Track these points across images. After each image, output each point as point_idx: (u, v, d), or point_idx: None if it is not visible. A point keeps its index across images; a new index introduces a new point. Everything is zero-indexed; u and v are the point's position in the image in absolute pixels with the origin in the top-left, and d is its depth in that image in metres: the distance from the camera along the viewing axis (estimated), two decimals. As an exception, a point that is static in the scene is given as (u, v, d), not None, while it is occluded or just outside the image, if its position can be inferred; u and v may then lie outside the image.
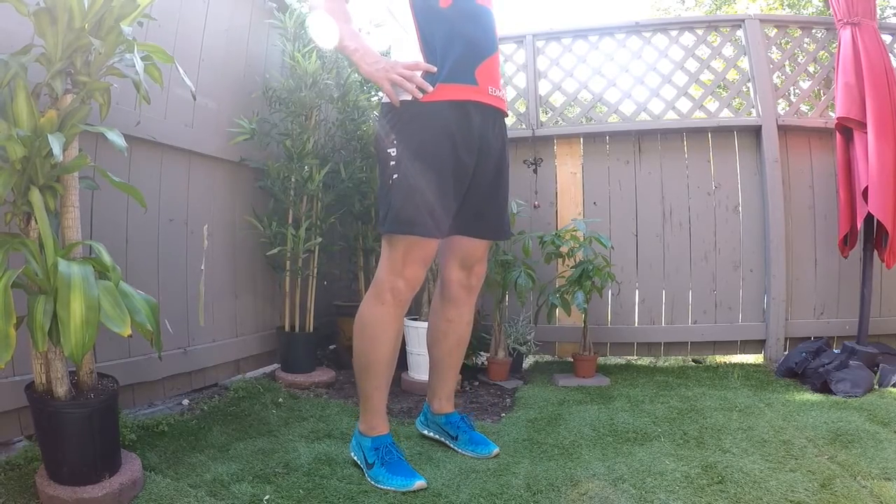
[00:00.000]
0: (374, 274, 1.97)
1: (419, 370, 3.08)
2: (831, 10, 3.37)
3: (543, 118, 3.86)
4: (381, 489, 1.78)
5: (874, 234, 3.22)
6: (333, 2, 1.98)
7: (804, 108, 3.90)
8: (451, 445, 2.17)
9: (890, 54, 3.25)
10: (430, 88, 1.82)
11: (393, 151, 1.86)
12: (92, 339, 1.41)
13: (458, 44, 1.85)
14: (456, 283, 2.12)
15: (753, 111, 3.64)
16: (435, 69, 1.84)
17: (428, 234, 1.84)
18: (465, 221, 1.99)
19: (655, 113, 3.76)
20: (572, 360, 3.33)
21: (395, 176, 1.84)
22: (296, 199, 3.06)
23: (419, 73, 1.84)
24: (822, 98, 3.74)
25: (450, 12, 1.85)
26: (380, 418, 1.97)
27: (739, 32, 3.74)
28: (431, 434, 2.26)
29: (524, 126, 3.83)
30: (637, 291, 3.71)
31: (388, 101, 1.89)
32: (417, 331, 3.05)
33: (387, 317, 1.90)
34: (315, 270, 3.20)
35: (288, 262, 3.07)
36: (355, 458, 1.97)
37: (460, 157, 1.87)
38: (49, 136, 1.40)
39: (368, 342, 1.92)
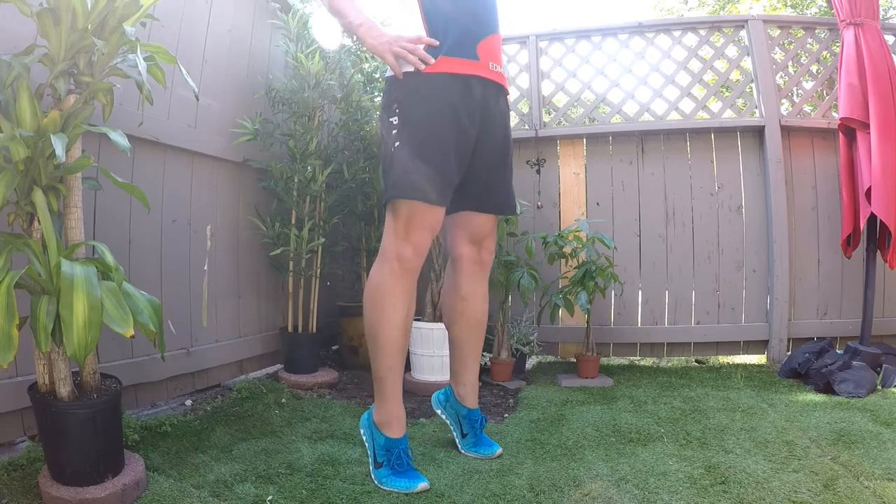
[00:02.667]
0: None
1: (423, 370, 3.08)
2: (834, 10, 3.36)
3: (546, 119, 3.85)
4: (384, 490, 1.78)
5: (877, 235, 3.21)
6: None
7: (807, 108, 3.90)
8: (456, 440, 2.16)
9: (893, 55, 3.24)
10: (432, 60, 1.85)
11: (395, 120, 1.88)
12: (95, 339, 1.41)
13: (461, 20, 1.88)
14: (467, 258, 2.12)
15: (756, 112, 3.64)
16: (437, 43, 1.87)
17: (430, 201, 1.84)
18: (472, 196, 2.01)
19: (658, 113, 3.76)
20: (575, 360, 3.33)
21: (396, 143, 1.86)
22: (299, 200, 3.07)
23: (422, 47, 1.86)
24: (825, 98, 3.73)
25: None
26: (395, 407, 1.92)
27: (742, 33, 3.74)
28: (443, 416, 2.22)
29: (527, 127, 3.83)
30: (640, 292, 3.71)
31: (392, 74, 1.91)
32: (421, 331, 3.05)
33: (396, 286, 1.87)
34: (318, 271, 3.20)
35: (291, 263, 3.07)
36: (364, 438, 1.96)
37: (462, 127, 1.88)
38: (52, 136, 1.40)
39: (378, 313, 1.88)
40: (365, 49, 3.28)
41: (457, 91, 1.87)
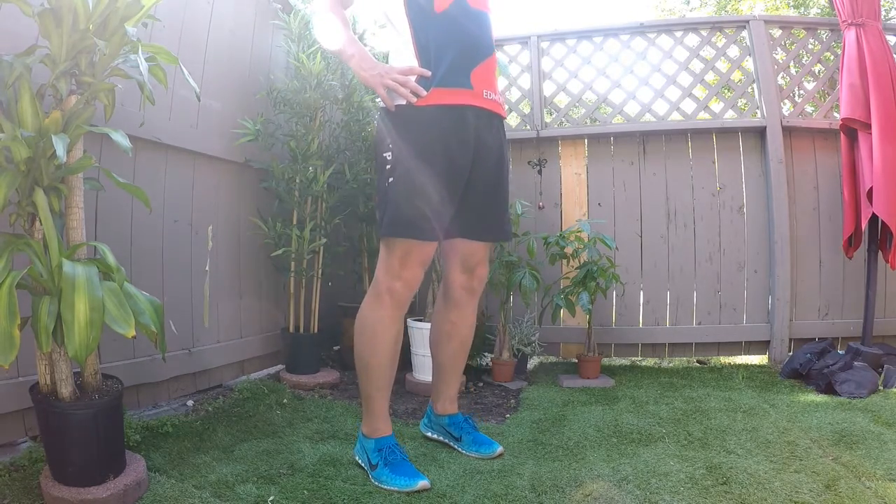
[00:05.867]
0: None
1: (424, 371, 3.08)
2: (836, 11, 3.36)
3: (548, 119, 3.85)
4: (384, 490, 1.79)
5: (879, 235, 3.21)
6: (334, 8, 2.00)
7: (809, 109, 3.89)
8: (455, 446, 2.17)
9: (894, 55, 3.24)
10: (424, 93, 1.84)
11: (388, 155, 1.87)
12: (96, 339, 1.41)
13: (453, 48, 1.86)
14: (458, 285, 2.13)
15: (758, 112, 3.63)
16: (429, 74, 1.85)
17: (424, 237, 1.85)
18: (465, 224, 2.00)
19: (660, 114, 3.76)
20: (577, 361, 3.32)
21: (390, 179, 1.86)
22: (300, 200, 3.07)
23: (413, 78, 1.85)
24: (827, 99, 3.73)
25: (444, 17, 1.86)
26: (382, 420, 1.98)
27: (744, 33, 3.74)
28: (435, 436, 2.26)
29: (528, 127, 3.82)
30: (642, 292, 3.70)
31: (385, 106, 1.91)
32: (422, 332, 3.05)
33: (385, 318, 1.91)
34: (319, 271, 3.20)
35: (293, 263, 3.07)
36: (359, 461, 1.98)
37: (455, 160, 1.87)
38: (53, 137, 1.40)
39: (368, 343, 1.93)
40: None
41: (450, 123, 1.86)
